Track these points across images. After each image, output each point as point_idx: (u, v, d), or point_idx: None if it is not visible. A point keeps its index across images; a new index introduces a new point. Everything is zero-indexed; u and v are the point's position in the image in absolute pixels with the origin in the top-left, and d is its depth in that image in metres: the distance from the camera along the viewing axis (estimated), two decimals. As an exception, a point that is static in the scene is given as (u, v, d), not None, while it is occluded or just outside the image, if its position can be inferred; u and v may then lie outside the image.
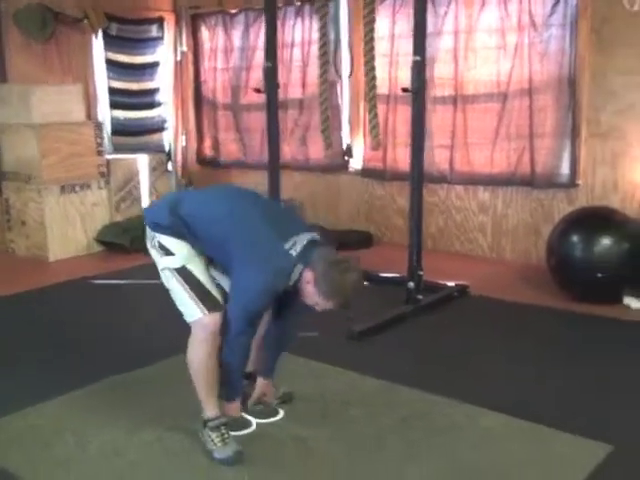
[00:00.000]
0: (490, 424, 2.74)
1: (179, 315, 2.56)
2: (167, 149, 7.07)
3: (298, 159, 6.36)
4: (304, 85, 6.18)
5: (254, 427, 2.70)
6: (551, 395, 3.06)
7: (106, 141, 6.25)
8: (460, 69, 5.31)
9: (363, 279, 2.48)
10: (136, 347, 3.60)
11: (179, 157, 7.21)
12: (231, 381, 2.58)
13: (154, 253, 2.59)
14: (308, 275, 2.41)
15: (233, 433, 2.57)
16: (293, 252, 2.40)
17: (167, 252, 2.52)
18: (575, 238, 4.26)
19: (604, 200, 4.85)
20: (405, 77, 5.41)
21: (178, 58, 7.05)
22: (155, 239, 2.56)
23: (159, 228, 2.55)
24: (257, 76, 6.46)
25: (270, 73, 4.45)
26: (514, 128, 5.15)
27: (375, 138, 4.11)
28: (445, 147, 5.43)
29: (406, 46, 5.51)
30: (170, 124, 7.10)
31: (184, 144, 7.21)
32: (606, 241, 4.18)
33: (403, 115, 5.54)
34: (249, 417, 2.73)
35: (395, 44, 5.56)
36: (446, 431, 2.67)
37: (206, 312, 2.46)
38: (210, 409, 2.54)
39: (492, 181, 5.34)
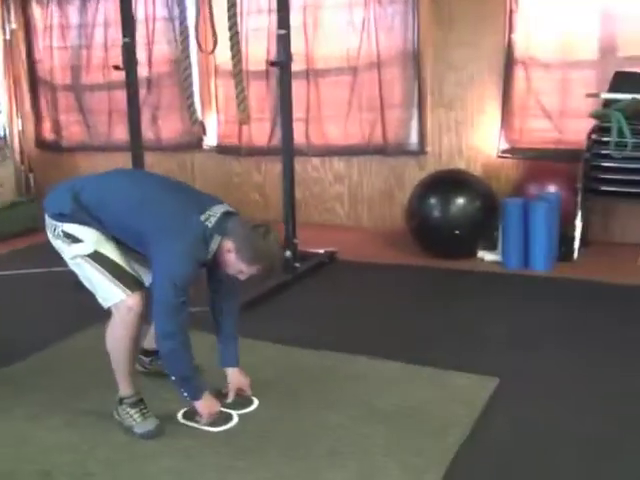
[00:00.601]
0: (391, 371, 2.95)
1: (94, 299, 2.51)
2: (1, 134, 6.63)
3: (149, 139, 6.23)
4: (151, 64, 6.05)
5: (236, 420, 2.59)
6: (430, 340, 3.34)
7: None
8: (310, 44, 5.48)
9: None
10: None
11: (16, 142, 6.79)
12: (189, 383, 2.47)
13: (59, 243, 2.50)
14: (228, 244, 2.40)
15: (217, 429, 2.51)
16: (208, 224, 2.39)
17: (74, 240, 2.46)
18: (433, 200, 4.60)
19: (451, 165, 5.25)
20: (255, 53, 5.59)
21: (7, 37, 6.61)
22: (58, 229, 2.48)
23: (61, 217, 2.47)
24: (99, 54, 6.27)
25: (128, 49, 4.34)
26: (365, 100, 5.41)
27: (243, 112, 4.17)
28: (301, 120, 5.57)
29: (255, 22, 5.66)
30: (3, 107, 6.66)
31: (20, 128, 6.80)
32: (460, 200, 4.56)
33: (257, 91, 5.64)
34: (228, 410, 2.63)
35: (244, 20, 5.60)
36: (354, 381, 2.84)
37: (128, 292, 2.41)
38: (127, 387, 2.52)
39: (347, 152, 5.59)
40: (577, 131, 4.76)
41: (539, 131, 5.01)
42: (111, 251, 2.47)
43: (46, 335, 3.43)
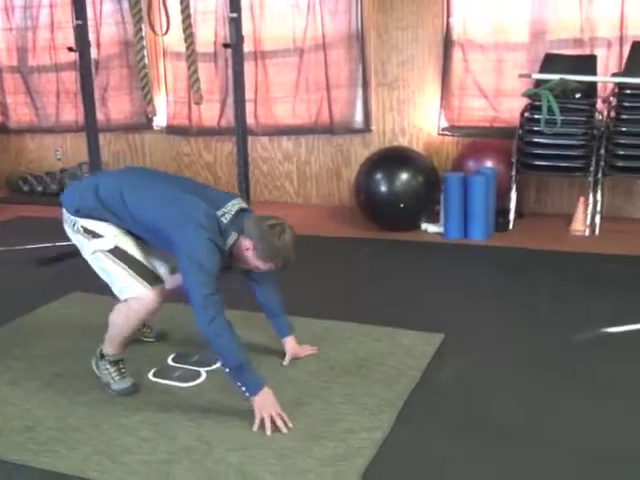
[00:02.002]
0: (344, 331, 3.19)
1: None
2: (-54, 116, 6.61)
3: (99, 120, 6.27)
4: (98, 45, 6.11)
5: (204, 376, 2.76)
6: (381, 304, 3.60)
7: None
8: (257, 26, 5.64)
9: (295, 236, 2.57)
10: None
11: (-39, 124, 6.77)
12: (245, 373, 2.41)
13: (79, 237, 2.57)
14: (245, 243, 2.46)
15: (187, 384, 2.69)
16: (224, 220, 2.45)
17: (95, 235, 2.53)
18: (378, 176, 4.85)
19: (394, 142, 5.52)
20: (204, 35, 5.72)
21: (-52, 18, 6.56)
22: (77, 224, 2.55)
23: (80, 213, 2.55)
24: (47, 36, 6.30)
25: (81, 31, 4.43)
26: (312, 81, 5.63)
27: (197, 92, 4.32)
28: (249, 101, 5.72)
29: (203, 4, 5.78)
30: (-54, 89, 6.62)
31: (-35, 111, 6.77)
32: (404, 176, 4.83)
33: (205, 72, 5.77)
34: (196, 367, 2.81)
35: (192, 2, 5.71)
36: (311, 340, 3.06)
37: (148, 287, 2.49)
38: (115, 349, 2.64)
39: (295, 131, 5.79)
40: (511, 110, 5.09)
41: (476, 110, 5.32)
42: (131, 246, 2.54)
43: (11, 310, 3.52)
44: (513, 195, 4.92)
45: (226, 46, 4.20)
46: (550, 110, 4.58)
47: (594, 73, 4.83)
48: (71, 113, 6.36)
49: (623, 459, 2.22)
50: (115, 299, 2.61)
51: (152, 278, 2.53)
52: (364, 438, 2.33)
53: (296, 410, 2.50)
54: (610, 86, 4.82)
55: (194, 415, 2.50)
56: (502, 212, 4.89)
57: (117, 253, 2.52)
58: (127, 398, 2.63)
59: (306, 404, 2.56)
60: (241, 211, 2.53)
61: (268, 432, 2.35)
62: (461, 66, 5.28)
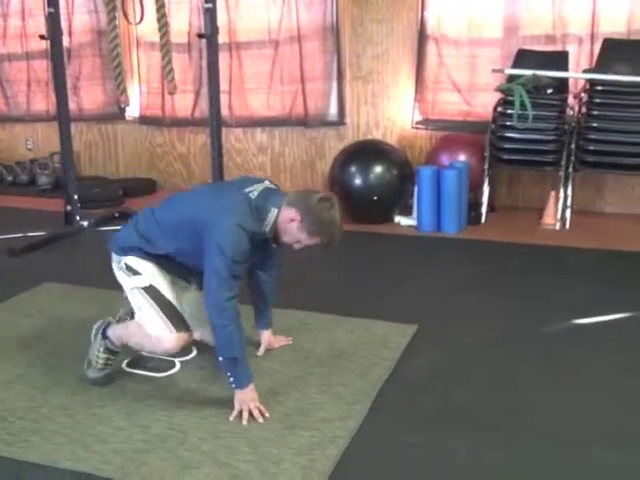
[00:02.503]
0: (319, 322, 3.21)
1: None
2: None
3: (71, 109, 6.19)
4: (71, 34, 6.04)
5: (179, 366, 2.78)
6: (354, 296, 3.62)
7: None
8: (232, 17, 5.62)
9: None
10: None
11: None
12: (237, 366, 2.41)
13: (121, 275, 2.58)
14: (291, 213, 2.39)
15: (161, 374, 2.69)
16: (252, 196, 2.42)
17: (134, 272, 2.53)
18: (353, 168, 4.87)
19: (368, 136, 5.54)
20: (177, 25, 5.68)
21: None
22: (122, 261, 2.56)
23: (124, 250, 2.57)
24: (17, 24, 6.20)
25: (53, 19, 4.39)
26: (287, 73, 5.62)
27: (171, 82, 4.30)
28: (224, 92, 5.70)
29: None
30: None
31: None
32: (378, 169, 4.85)
33: (179, 63, 5.72)
34: (170, 357, 2.79)
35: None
36: (285, 331, 3.07)
37: (174, 331, 2.48)
38: (120, 345, 2.63)
39: (269, 123, 5.78)
40: (484, 104, 5.14)
41: (450, 104, 5.36)
42: (165, 288, 2.53)
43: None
44: (485, 189, 4.98)
45: (200, 36, 4.19)
46: (522, 105, 4.63)
47: (565, 69, 4.89)
48: (42, 102, 6.28)
49: (592, 444, 2.27)
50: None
51: (179, 323, 2.51)
52: (338, 427, 2.35)
53: (271, 400, 2.51)
54: (581, 82, 4.88)
55: (168, 404, 2.51)
56: (474, 206, 4.95)
57: (150, 291, 2.51)
58: (101, 388, 2.62)
59: (281, 394, 2.57)
60: (269, 189, 2.50)
61: (244, 422, 2.37)
62: (435, 60, 5.31)
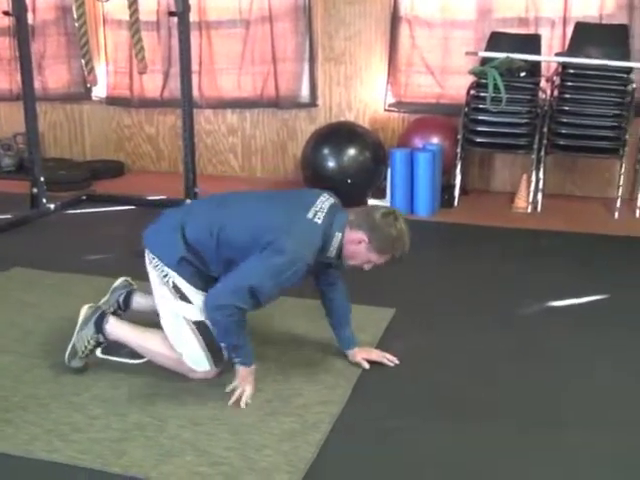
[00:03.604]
0: (296, 307, 3.16)
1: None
2: None
3: (35, 89, 6.04)
4: (34, 10, 5.86)
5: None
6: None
7: None
8: (202, -4, 5.52)
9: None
10: None
11: None
12: (240, 350, 2.37)
13: (164, 289, 2.42)
14: (357, 236, 2.31)
15: (137, 361, 2.60)
16: (318, 221, 2.30)
17: (184, 298, 2.40)
18: (326, 150, 4.83)
19: (341, 118, 5.49)
20: (146, 3, 5.54)
21: None
22: (169, 278, 2.40)
23: (169, 259, 2.40)
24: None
25: (17, -6, 4.24)
26: (258, 53, 5.54)
27: (142, 61, 4.19)
28: (194, 72, 5.58)
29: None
30: None
31: None
32: (352, 151, 4.82)
33: (148, 42, 5.56)
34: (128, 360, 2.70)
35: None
36: (266, 316, 3.02)
37: (213, 367, 2.45)
38: (121, 342, 2.56)
39: (240, 104, 5.70)
40: (457, 87, 5.12)
41: (423, 86, 5.34)
42: None
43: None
44: (458, 172, 4.98)
45: (172, 14, 4.08)
46: (496, 88, 4.63)
47: (538, 52, 4.90)
48: (5, 81, 6.09)
49: (564, 425, 2.29)
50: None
51: (220, 359, 2.46)
52: (320, 412, 2.33)
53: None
54: (554, 65, 4.90)
55: (145, 391, 2.46)
56: (447, 188, 4.95)
57: (200, 327, 2.40)
58: (75, 376, 2.55)
59: (261, 380, 2.53)
60: (334, 207, 2.38)
61: (230, 402, 2.35)
62: (408, 42, 5.28)
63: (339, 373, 2.59)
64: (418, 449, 2.17)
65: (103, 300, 2.79)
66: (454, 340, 2.92)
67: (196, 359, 2.46)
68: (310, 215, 2.31)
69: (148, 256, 2.50)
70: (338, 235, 2.33)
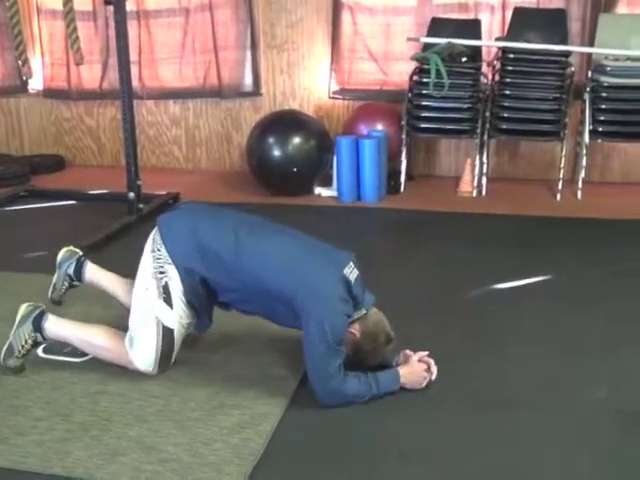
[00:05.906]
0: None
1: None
2: None
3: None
4: (-36, 0, 5.66)
5: None
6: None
7: None
8: (139, -16, 5.40)
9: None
10: None
11: None
12: (379, 391, 2.34)
13: (152, 281, 2.39)
14: (360, 327, 2.36)
15: (79, 359, 2.55)
16: (351, 279, 2.31)
17: (167, 300, 2.37)
18: (271, 139, 4.78)
19: (285, 106, 5.45)
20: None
21: None
22: (165, 276, 2.37)
23: (178, 259, 2.36)
24: None
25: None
26: (199, 42, 5.45)
27: (78, 52, 4.08)
28: (133, 63, 5.47)
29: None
30: None
31: None
32: (297, 140, 4.78)
33: (84, 32, 5.44)
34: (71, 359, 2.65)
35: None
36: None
37: (157, 370, 2.44)
38: (60, 340, 2.50)
39: (182, 94, 5.61)
40: (400, 73, 5.14)
41: (366, 73, 5.33)
42: (179, 338, 2.44)
43: None
44: (404, 158, 4.99)
45: (108, 3, 3.98)
46: (438, 73, 4.65)
47: (479, 37, 4.93)
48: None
49: (518, 406, 2.32)
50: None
51: (165, 367, 2.47)
52: (269, 404, 2.31)
53: (198, 380, 2.44)
54: (494, 50, 4.94)
55: (89, 390, 2.40)
56: (393, 175, 4.96)
57: (167, 333, 2.40)
58: (16, 377, 2.48)
59: (209, 373, 2.51)
60: (359, 278, 2.37)
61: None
62: (350, 29, 5.26)
63: (286, 365, 2.56)
64: (368, 437, 2.17)
65: (54, 279, 2.73)
66: (403, 326, 2.89)
67: (146, 359, 2.43)
68: (346, 271, 2.32)
69: (155, 243, 2.42)
70: (362, 312, 2.37)
